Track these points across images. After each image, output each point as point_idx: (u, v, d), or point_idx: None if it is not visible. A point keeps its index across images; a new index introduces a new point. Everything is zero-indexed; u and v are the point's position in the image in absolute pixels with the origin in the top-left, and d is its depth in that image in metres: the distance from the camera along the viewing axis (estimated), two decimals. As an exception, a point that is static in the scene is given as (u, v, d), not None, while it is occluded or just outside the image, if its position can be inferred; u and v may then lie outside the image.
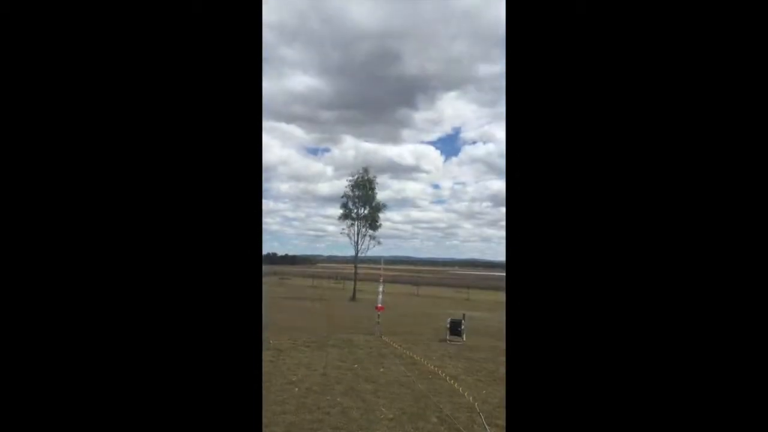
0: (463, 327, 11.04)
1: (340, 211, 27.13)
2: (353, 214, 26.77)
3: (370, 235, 26.96)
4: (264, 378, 6.57)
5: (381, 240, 27.12)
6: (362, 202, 26.88)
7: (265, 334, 9.92)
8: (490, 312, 19.38)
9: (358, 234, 26.81)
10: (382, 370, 7.46)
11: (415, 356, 8.73)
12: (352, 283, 27.84)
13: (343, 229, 26.93)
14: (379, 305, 11.88)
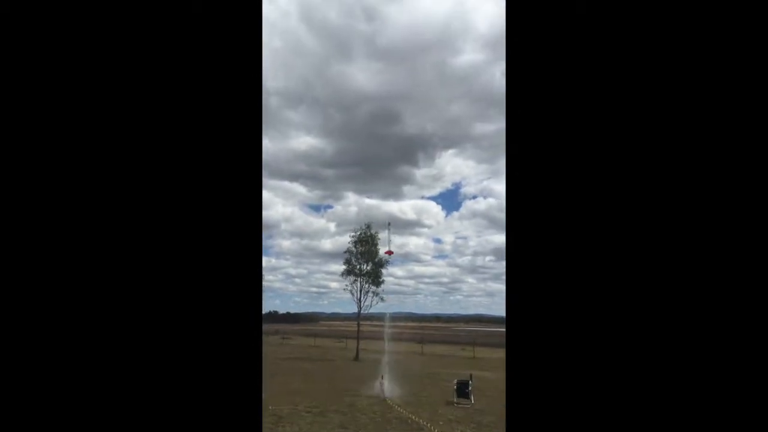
0: (470, 388, 10.61)
1: (342, 267, 26.95)
2: (356, 270, 26.56)
3: (373, 292, 26.64)
4: (262, 448, 6.21)
5: (384, 296, 26.74)
6: (365, 258, 26.76)
7: (264, 399, 9.51)
8: (498, 371, 18.72)
9: (360, 290, 26.47)
10: (386, 437, 7.07)
11: (421, 421, 8.33)
12: (355, 341, 27.15)
13: (346, 285, 26.62)
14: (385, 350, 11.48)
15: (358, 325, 27.34)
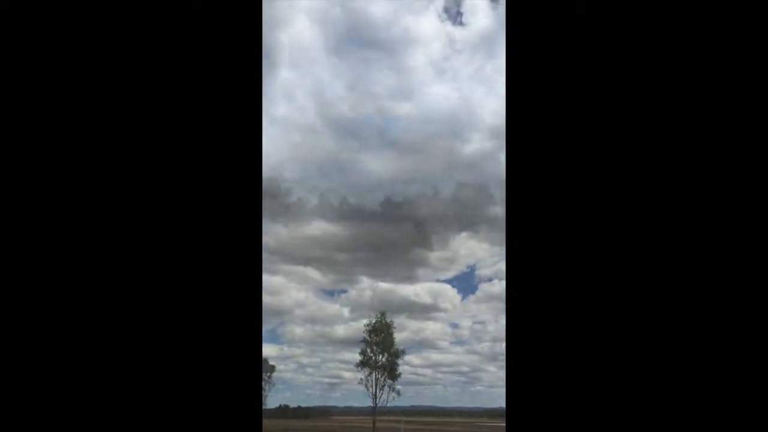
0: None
1: (357, 357, 26.10)
2: (371, 362, 25.43)
3: (389, 385, 24.09)
4: None
5: (401, 389, 24.15)
6: (380, 348, 25.36)
7: None
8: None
9: (375, 385, 24.70)
10: None
11: None
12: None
13: (360, 379, 25.56)
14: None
15: (374, 423, 23.31)
